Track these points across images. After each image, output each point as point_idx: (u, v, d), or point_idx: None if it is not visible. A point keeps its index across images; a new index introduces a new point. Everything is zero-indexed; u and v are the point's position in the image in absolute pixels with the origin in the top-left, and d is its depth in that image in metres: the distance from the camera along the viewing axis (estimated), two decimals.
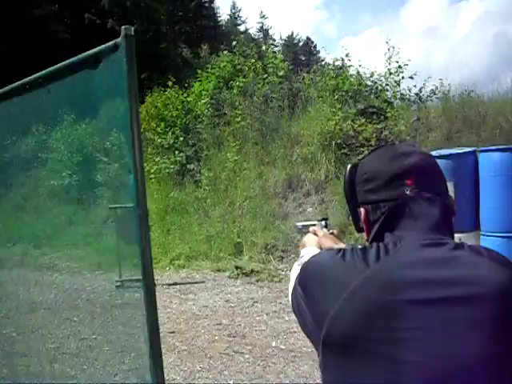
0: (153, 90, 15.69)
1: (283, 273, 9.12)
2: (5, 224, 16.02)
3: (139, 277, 7.47)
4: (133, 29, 1.72)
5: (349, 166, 1.45)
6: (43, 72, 2.04)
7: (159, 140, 13.77)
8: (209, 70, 14.32)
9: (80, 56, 1.87)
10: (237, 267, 9.38)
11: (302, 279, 1.26)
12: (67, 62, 1.92)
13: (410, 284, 1.08)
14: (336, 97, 11.65)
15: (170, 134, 13.64)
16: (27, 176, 17.73)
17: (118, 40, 1.72)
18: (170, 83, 14.59)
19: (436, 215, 1.23)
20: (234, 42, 14.37)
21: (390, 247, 1.16)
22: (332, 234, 1.85)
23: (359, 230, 1.38)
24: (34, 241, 14.47)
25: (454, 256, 1.14)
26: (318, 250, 1.65)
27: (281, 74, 12.91)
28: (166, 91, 15.00)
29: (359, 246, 1.22)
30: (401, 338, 1.05)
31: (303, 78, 13.28)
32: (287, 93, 12.54)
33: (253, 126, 12.35)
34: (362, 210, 1.33)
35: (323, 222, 1.93)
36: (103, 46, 1.78)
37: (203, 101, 13.82)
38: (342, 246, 1.73)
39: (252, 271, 9.17)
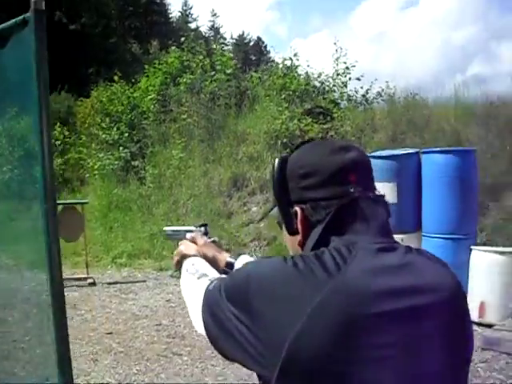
0: (99, 85, 15.35)
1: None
2: None
3: (79, 275, 7.20)
4: (43, 3, 1.57)
5: (277, 159, 1.25)
6: None
7: (103, 135, 13.48)
8: (156, 66, 14.08)
9: None
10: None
11: (238, 296, 1.06)
12: None
13: (378, 294, 0.97)
14: (283, 96, 11.64)
15: (114, 129, 13.37)
16: None
17: (27, 14, 1.57)
18: (116, 78, 14.28)
19: (383, 216, 1.13)
20: (183, 39, 14.14)
21: (345, 254, 1.02)
22: (213, 241, 1.68)
23: (292, 233, 1.20)
24: None
25: (409, 261, 1.05)
26: (203, 261, 1.48)
27: (229, 71, 12.80)
28: (112, 86, 14.68)
29: (314, 253, 1.06)
30: (379, 357, 0.95)
31: (251, 77, 13.22)
32: (234, 91, 12.45)
33: (199, 123, 12.22)
34: (297, 209, 1.15)
35: (203, 229, 1.73)
36: (12, 21, 1.61)
37: (150, 97, 13.59)
38: (225, 254, 1.59)
39: None
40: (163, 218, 11.00)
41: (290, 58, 13.23)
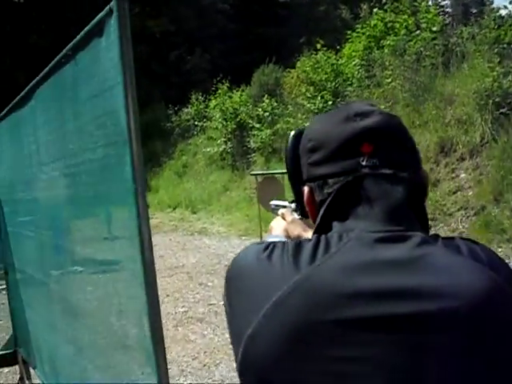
0: (303, 54, 15.53)
1: None
2: (167, 190, 17.08)
3: None
4: None
5: (292, 132, 1.12)
6: (69, 46, 1.97)
7: (308, 105, 13.61)
8: (359, 30, 13.76)
9: (90, 24, 1.76)
10: None
11: (225, 282, 0.96)
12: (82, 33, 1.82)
13: (353, 297, 0.79)
14: (495, 50, 10.55)
15: (318, 98, 13.41)
16: (187, 144, 18.62)
17: (112, 3, 1.59)
18: (318, 46, 14.30)
19: (399, 197, 0.91)
20: None
21: (333, 243, 0.85)
22: (302, 219, 1.48)
23: (304, 215, 1.09)
24: (191, 206, 15.26)
25: (419, 256, 0.82)
26: (281, 239, 1.29)
27: (435, 29, 11.97)
28: (317, 54, 14.76)
29: (298, 240, 0.92)
30: (339, 373, 0.77)
31: (461, 32, 12.21)
32: (441, 49, 11.62)
33: (403, 86, 11.67)
34: (305, 188, 1.00)
35: (293, 205, 1.52)
36: (103, 12, 1.65)
37: (353, 62, 13.36)
38: (310, 233, 1.43)
39: None
40: None
41: (505, 7, 11.96)
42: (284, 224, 1.46)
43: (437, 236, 0.88)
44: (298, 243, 0.88)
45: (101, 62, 1.73)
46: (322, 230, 0.94)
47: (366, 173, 0.91)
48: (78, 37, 1.89)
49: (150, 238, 1.64)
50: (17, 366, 4.06)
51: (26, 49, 24.40)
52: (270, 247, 0.90)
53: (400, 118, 1.04)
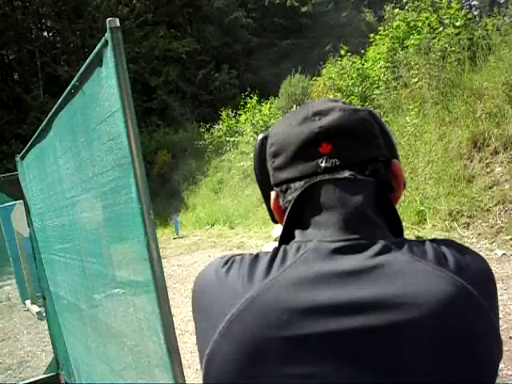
0: (328, 62, 15.56)
1: (469, 241, 8.48)
2: (204, 207, 17.22)
3: None
4: (117, 20, 1.64)
5: (259, 136, 1.04)
6: (77, 76, 2.06)
7: None
8: (381, 33, 13.71)
9: (92, 55, 1.84)
10: (418, 237, 8.94)
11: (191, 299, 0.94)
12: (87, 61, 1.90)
13: (306, 311, 0.76)
14: None
15: None
16: (221, 160, 18.83)
17: (107, 34, 1.67)
18: (342, 52, 14.31)
19: (359, 203, 0.86)
20: None
21: (290, 255, 0.82)
22: None
23: (275, 222, 1.04)
24: (228, 222, 15.36)
25: (377, 265, 0.78)
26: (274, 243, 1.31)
27: (458, 23, 11.85)
28: (341, 60, 14.77)
29: (256, 253, 0.88)
30: None
31: (485, 25, 12.05)
32: (467, 43, 11.49)
33: (431, 84, 11.57)
34: (272, 193, 0.97)
35: None
36: (101, 42, 1.74)
37: (378, 65, 13.31)
38: None
39: None
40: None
41: None
42: None
43: (404, 240, 0.84)
44: (256, 256, 0.86)
45: (103, 90, 1.81)
46: (286, 239, 0.91)
47: (324, 179, 0.88)
48: (83, 67, 1.98)
49: (159, 255, 1.70)
50: None
51: (55, 80, 25.11)
52: (230, 262, 0.87)
53: (369, 111, 1.00)
